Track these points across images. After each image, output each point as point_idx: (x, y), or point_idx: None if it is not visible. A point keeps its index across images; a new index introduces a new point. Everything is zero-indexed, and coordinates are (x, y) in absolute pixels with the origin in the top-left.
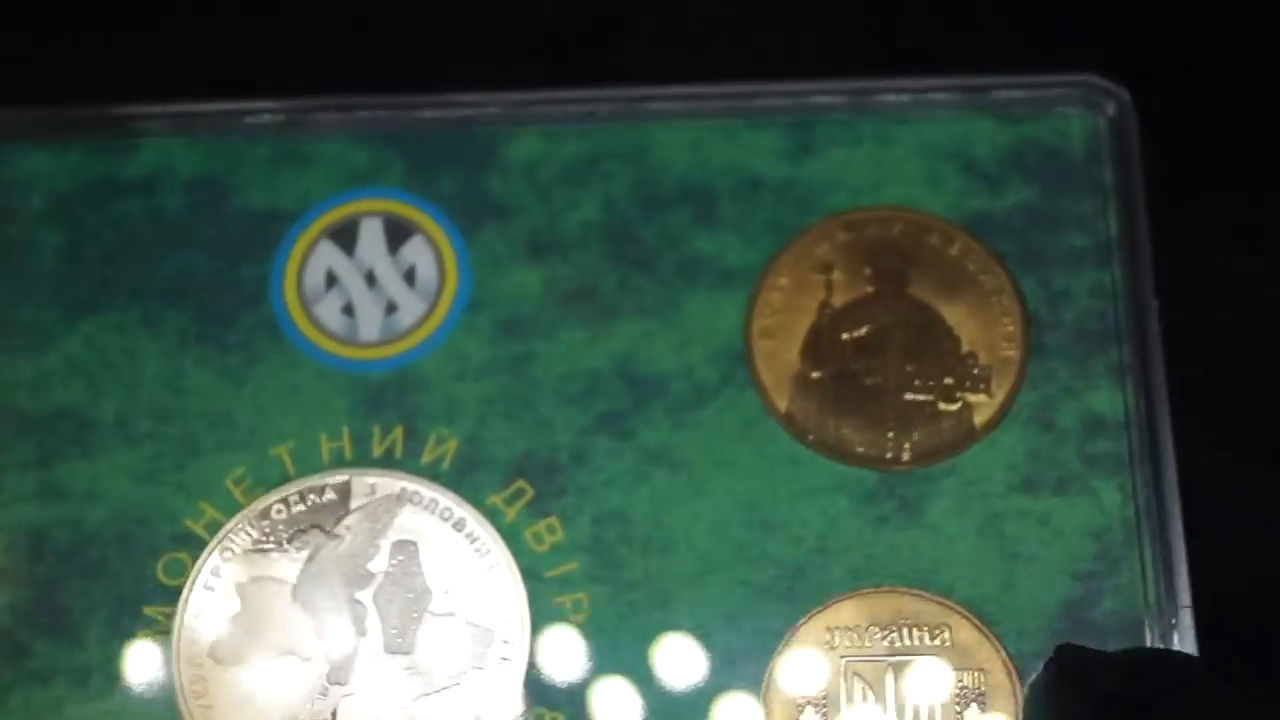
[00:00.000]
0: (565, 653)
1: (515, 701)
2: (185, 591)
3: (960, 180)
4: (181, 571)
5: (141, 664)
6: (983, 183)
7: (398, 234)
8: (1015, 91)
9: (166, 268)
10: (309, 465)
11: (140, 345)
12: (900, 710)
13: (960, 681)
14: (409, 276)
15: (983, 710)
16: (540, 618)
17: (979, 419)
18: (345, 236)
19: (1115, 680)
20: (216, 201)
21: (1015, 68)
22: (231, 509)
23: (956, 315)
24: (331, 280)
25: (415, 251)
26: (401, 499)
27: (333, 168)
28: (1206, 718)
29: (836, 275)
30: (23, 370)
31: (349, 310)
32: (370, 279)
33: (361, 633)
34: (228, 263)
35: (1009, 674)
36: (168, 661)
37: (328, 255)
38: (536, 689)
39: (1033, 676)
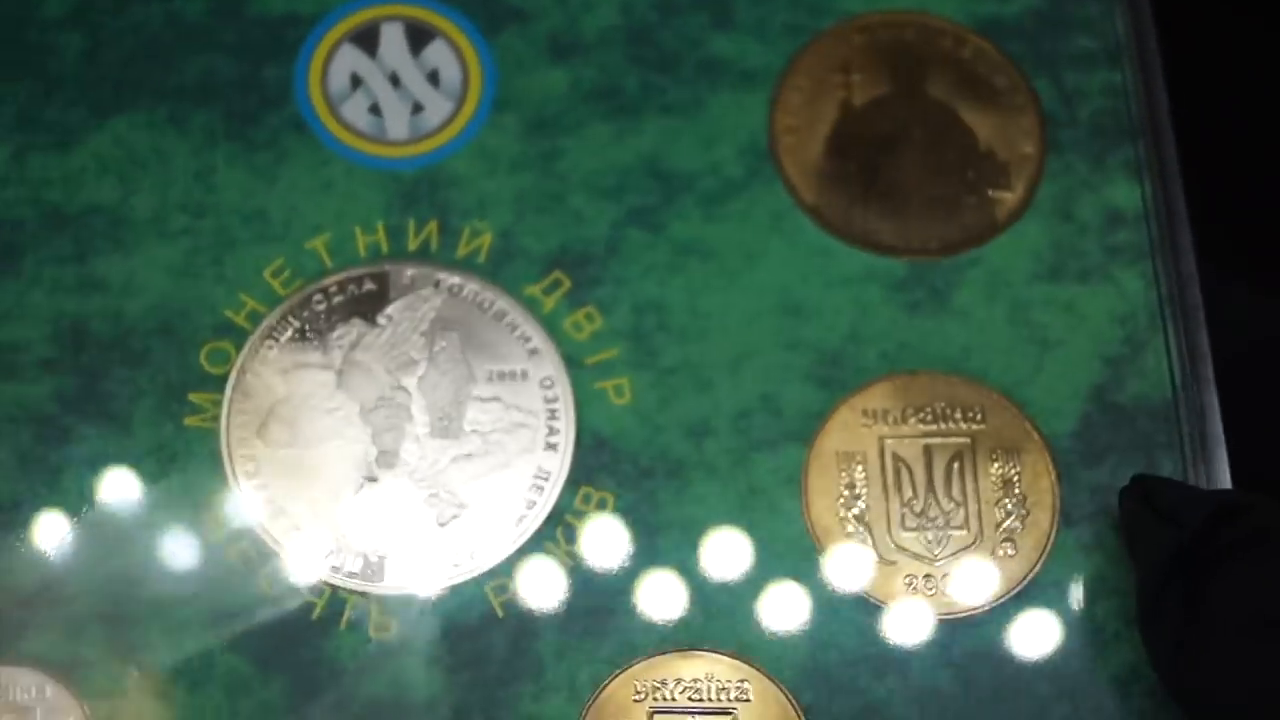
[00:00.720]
0: (610, 435)
1: (562, 481)
2: (231, 377)
3: None
4: (225, 360)
5: (192, 447)
6: None
7: (419, 38)
8: None
9: (189, 70)
10: (346, 258)
11: (169, 143)
12: (936, 487)
13: (995, 460)
14: (433, 78)
15: (1018, 485)
16: (584, 402)
17: (1001, 212)
18: (366, 40)
19: (1205, 521)
20: (234, 6)
21: None
22: (271, 300)
23: (973, 114)
24: (356, 82)
25: (437, 54)
26: (441, 288)
27: None
28: None
29: (855, 77)
30: (53, 168)
31: (376, 110)
32: (395, 80)
33: (408, 418)
34: (250, 65)
35: (1042, 450)
36: (218, 444)
37: (350, 58)
38: (582, 470)
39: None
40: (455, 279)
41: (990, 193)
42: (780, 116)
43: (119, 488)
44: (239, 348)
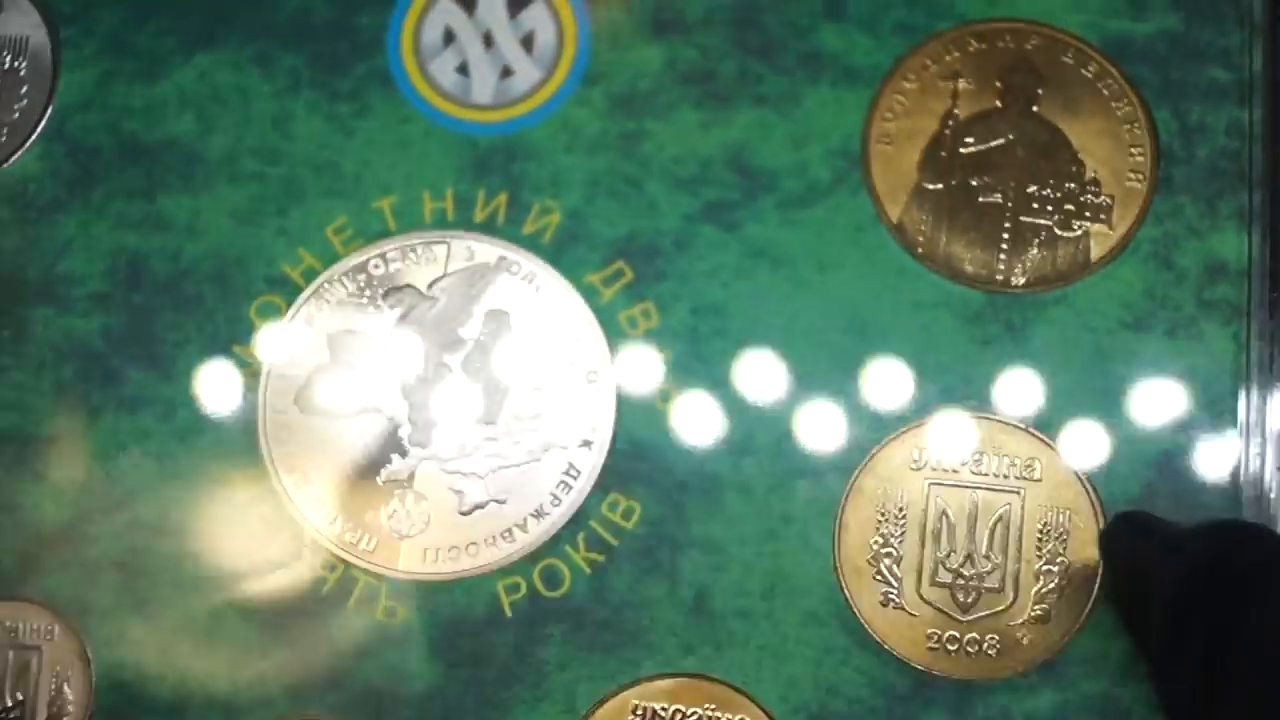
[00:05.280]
0: (647, 440)
1: (591, 484)
2: (278, 337)
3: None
4: (276, 314)
5: (228, 402)
6: (1128, 4)
7: None
8: None
9: (284, 7)
10: (410, 222)
11: (252, 84)
12: (977, 543)
13: (1044, 522)
14: (527, 42)
15: (1063, 552)
16: (625, 405)
17: (1096, 249)
18: None
19: (1205, 548)
20: None
21: None
22: (329, 258)
23: (1084, 139)
24: (449, 38)
25: (535, 17)
26: (499, 267)
27: None
28: None
29: (964, 85)
30: (135, 97)
31: (464, 70)
32: (488, 40)
33: (447, 397)
34: (345, 9)
35: (1095, 517)
36: (253, 402)
37: (447, 11)
38: (614, 475)
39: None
40: (517, 258)
41: (1088, 227)
42: (878, 121)
43: (152, 435)
44: (290, 304)
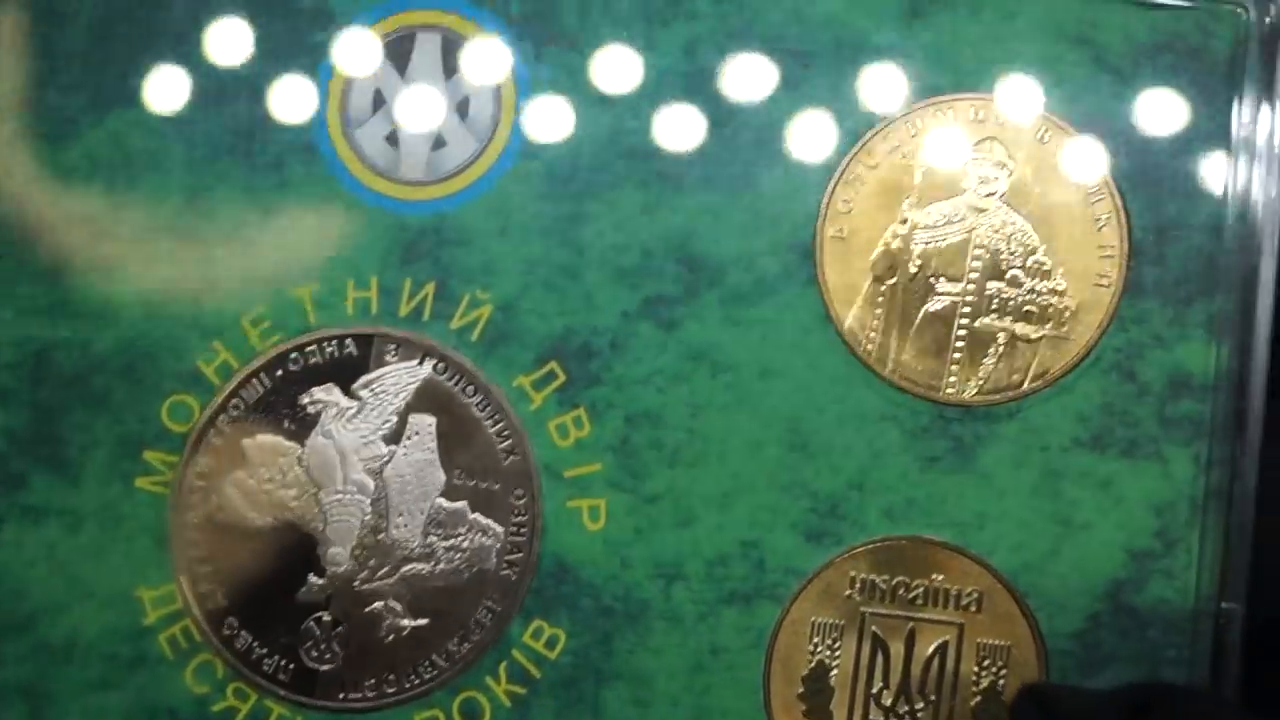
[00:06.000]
0: (574, 562)
1: (515, 607)
2: (189, 443)
3: (1084, 72)
4: (188, 417)
5: (139, 513)
6: (1110, 78)
7: (456, 56)
8: None
9: (203, 63)
10: (332, 314)
11: (167, 150)
12: (911, 679)
13: (983, 656)
14: (462, 108)
15: (1001, 689)
16: (552, 522)
17: (1055, 359)
18: (399, 51)
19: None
20: None
21: None
22: (245, 352)
23: (1052, 233)
24: (379, 102)
25: (473, 79)
26: (425, 366)
27: None
28: None
29: (927, 168)
30: (44, 161)
31: (393, 140)
32: (420, 106)
33: (366, 511)
34: (269, 65)
35: (1037, 654)
36: (166, 517)
37: (378, 71)
38: (538, 599)
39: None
40: (444, 357)
41: (1048, 334)
42: (834, 210)
43: (57, 547)
44: (203, 405)
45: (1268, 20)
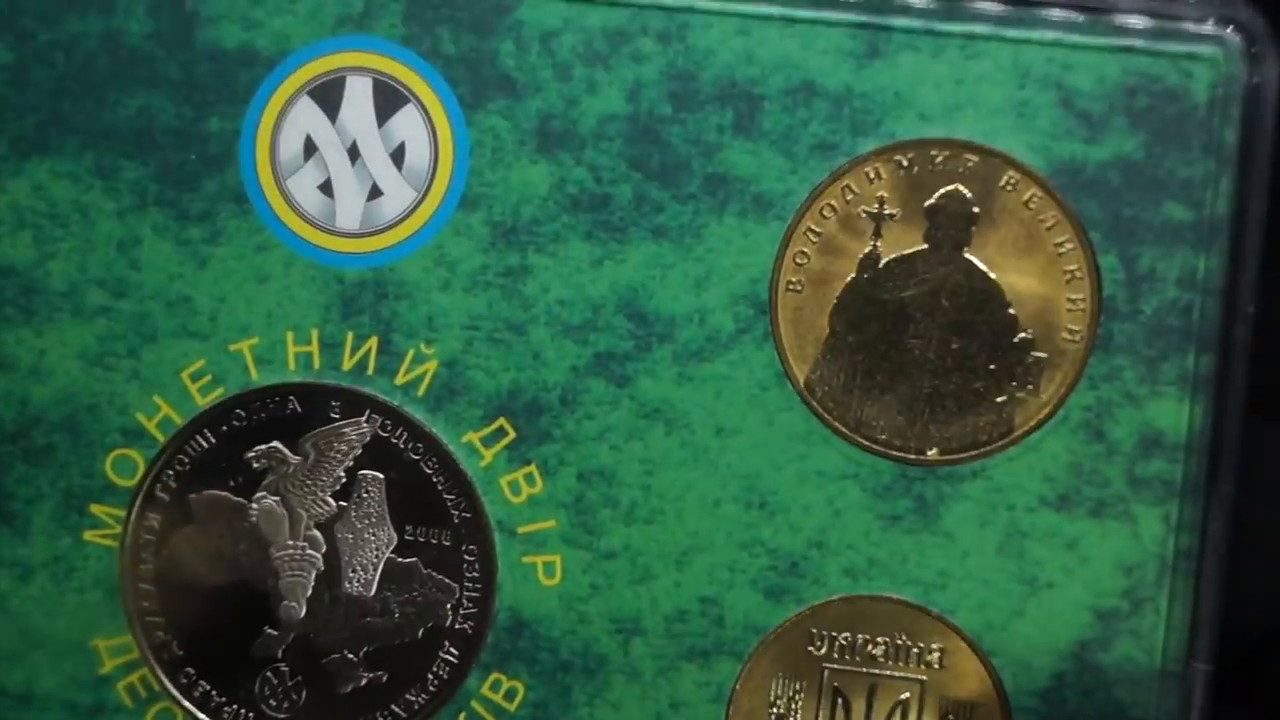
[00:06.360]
0: (531, 618)
1: (472, 660)
2: (135, 500)
3: (1054, 116)
4: (132, 471)
5: (90, 564)
6: (1080, 124)
7: (389, 101)
8: (1138, 13)
9: (124, 108)
10: (273, 368)
11: (94, 200)
12: None
13: (945, 711)
14: (398, 156)
15: None
16: (508, 577)
17: (1021, 417)
18: (329, 95)
19: None
20: (183, 32)
21: None
22: (187, 408)
23: (1019, 287)
24: (310, 149)
25: (407, 124)
26: (371, 423)
27: (320, 5)
28: None
29: (888, 217)
30: None
31: (327, 189)
32: (354, 153)
33: (317, 567)
34: (193, 110)
35: (1001, 712)
36: (115, 571)
37: (308, 116)
38: (496, 653)
39: None
40: (389, 413)
41: (1014, 393)
42: (789, 262)
43: (8, 598)
44: (147, 460)
45: (1247, 64)
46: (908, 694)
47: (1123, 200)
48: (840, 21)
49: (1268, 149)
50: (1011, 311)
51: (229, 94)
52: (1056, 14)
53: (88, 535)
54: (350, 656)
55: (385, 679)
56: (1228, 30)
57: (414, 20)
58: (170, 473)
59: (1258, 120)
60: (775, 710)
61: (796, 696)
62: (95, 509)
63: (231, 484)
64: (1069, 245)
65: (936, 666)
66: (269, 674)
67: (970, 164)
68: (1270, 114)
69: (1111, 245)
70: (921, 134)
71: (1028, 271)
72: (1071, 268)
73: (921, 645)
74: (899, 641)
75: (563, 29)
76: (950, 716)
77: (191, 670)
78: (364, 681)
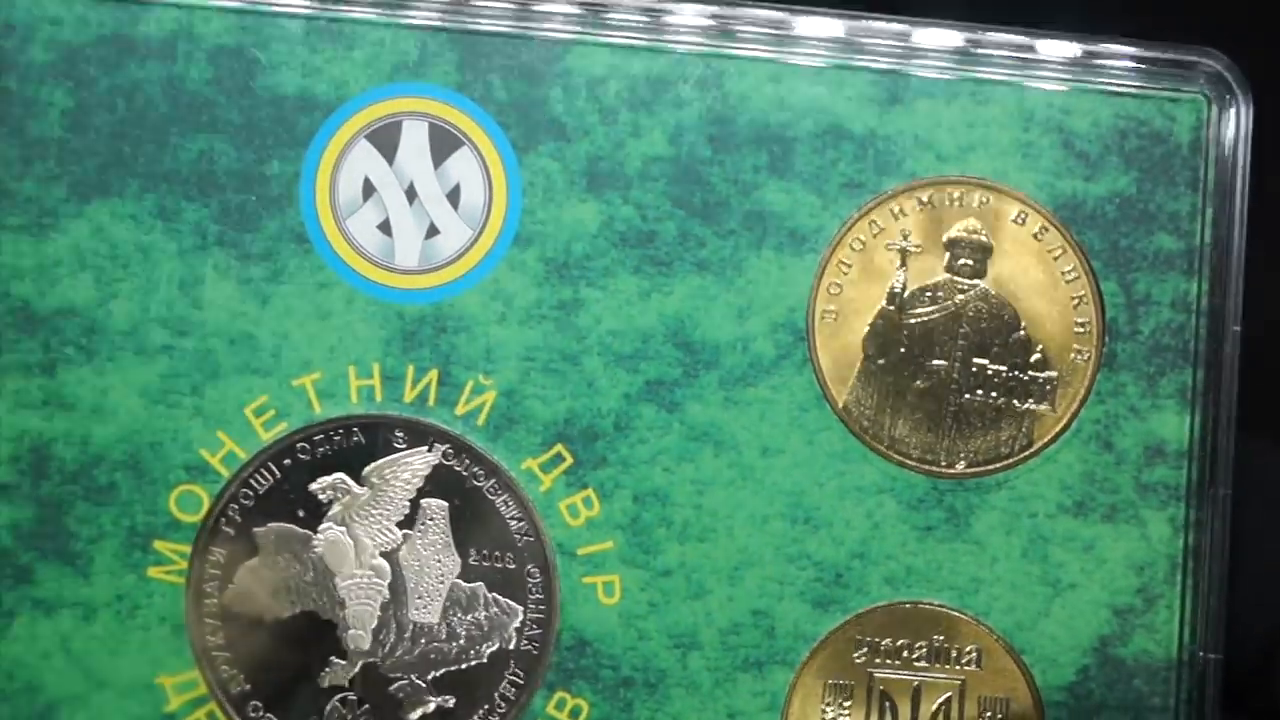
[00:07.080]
0: (593, 636)
1: (538, 680)
2: (201, 534)
3: (1056, 156)
4: (196, 507)
5: (154, 601)
6: (1079, 163)
7: (444, 143)
8: (1128, 61)
9: (185, 152)
10: (335, 402)
11: (155, 241)
12: None
13: (983, 708)
14: (453, 196)
15: None
16: (569, 598)
17: (1039, 431)
18: (386, 139)
19: None
20: (243, 78)
21: (1134, 34)
22: (251, 443)
23: (1032, 311)
24: (369, 190)
25: (462, 166)
26: (434, 452)
27: (377, 53)
28: None
29: (912, 248)
30: (25, 254)
31: (386, 228)
32: (411, 194)
33: (383, 596)
34: (254, 154)
35: (1034, 706)
36: (181, 607)
37: (365, 159)
38: (559, 672)
39: None
40: (451, 443)
41: (1031, 408)
42: (824, 291)
43: (71, 639)
44: (212, 494)
45: (1222, 107)
46: (949, 694)
47: (1119, 231)
48: (864, 69)
49: (1242, 184)
50: (1026, 333)
51: (289, 138)
52: (1055, 62)
53: (152, 572)
54: (418, 682)
55: (452, 703)
56: (1205, 77)
57: (467, 68)
58: (235, 506)
59: (1234, 158)
60: (826, 715)
61: (846, 702)
62: (159, 545)
63: (297, 516)
64: (1074, 273)
65: (973, 666)
66: (337, 703)
67: (984, 200)
68: (1244, 152)
69: (1111, 272)
70: (939, 173)
71: (1038, 297)
72: (1077, 294)
73: (959, 647)
74: (938, 644)
75: (608, 76)
76: (988, 713)
77: (259, 703)
78: (432, 706)
